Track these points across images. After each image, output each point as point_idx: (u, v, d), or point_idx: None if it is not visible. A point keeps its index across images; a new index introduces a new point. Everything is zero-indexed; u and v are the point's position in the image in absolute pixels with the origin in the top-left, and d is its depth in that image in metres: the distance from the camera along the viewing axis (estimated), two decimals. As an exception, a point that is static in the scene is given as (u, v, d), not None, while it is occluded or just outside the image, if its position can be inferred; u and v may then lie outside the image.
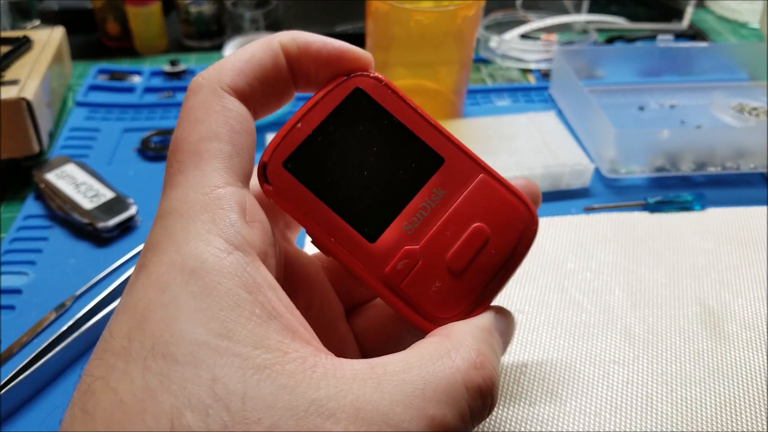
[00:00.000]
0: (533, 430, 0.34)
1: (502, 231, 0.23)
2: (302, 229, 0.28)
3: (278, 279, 0.20)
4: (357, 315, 0.29)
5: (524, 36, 0.74)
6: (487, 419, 0.33)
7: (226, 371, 0.17)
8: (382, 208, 0.23)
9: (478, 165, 0.24)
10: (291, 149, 0.23)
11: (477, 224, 0.23)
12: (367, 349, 0.28)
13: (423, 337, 0.28)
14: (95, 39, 0.78)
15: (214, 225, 0.19)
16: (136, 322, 0.18)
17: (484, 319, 0.23)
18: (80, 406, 0.17)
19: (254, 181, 0.24)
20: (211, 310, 0.18)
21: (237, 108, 0.22)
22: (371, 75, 0.24)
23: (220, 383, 0.17)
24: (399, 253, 0.23)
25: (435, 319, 0.23)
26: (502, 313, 0.24)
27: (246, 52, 0.23)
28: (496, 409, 0.34)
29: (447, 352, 0.20)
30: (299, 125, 0.23)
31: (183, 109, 0.22)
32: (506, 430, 0.34)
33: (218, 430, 0.16)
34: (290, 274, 0.26)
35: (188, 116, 0.21)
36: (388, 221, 0.23)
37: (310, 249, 0.29)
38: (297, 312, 0.20)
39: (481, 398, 0.20)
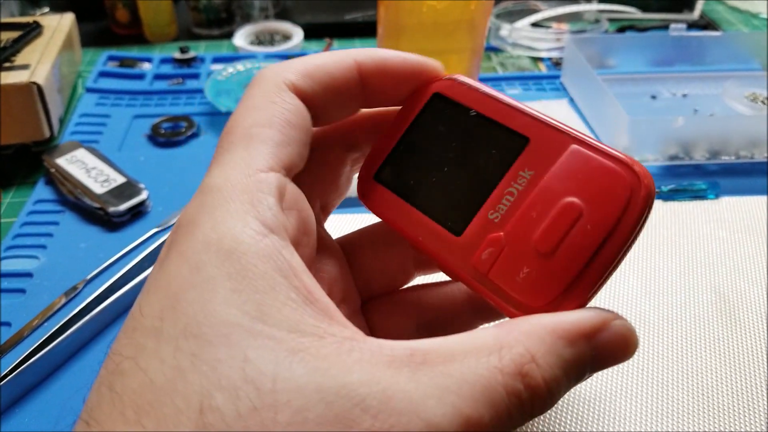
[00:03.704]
0: (545, 415, 0.34)
1: (599, 202, 0.20)
2: (328, 216, 0.29)
3: (309, 268, 0.20)
4: (370, 307, 0.29)
5: (535, 24, 0.74)
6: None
7: (259, 353, 0.16)
8: (466, 201, 0.23)
9: (568, 136, 0.22)
10: (379, 163, 0.26)
11: (566, 199, 0.21)
12: None
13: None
14: (104, 26, 0.78)
15: (252, 206, 0.19)
16: (168, 302, 0.18)
17: (566, 321, 0.19)
18: (108, 385, 0.17)
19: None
20: (246, 292, 0.17)
21: (296, 103, 0.22)
22: (446, 77, 0.25)
23: (251, 365, 0.16)
24: (484, 242, 0.22)
25: (527, 308, 0.21)
26: (610, 328, 0.20)
27: (317, 58, 0.24)
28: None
29: (498, 349, 0.18)
30: (384, 140, 0.26)
31: (244, 96, 0.23)
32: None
33: (247, 411, 0.16)
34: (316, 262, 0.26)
35: (246, 102, 0.22)
36: (472, 213, 0.23)
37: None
38: (329, 298, 0.20)
39: (520, 406, 0.18)
